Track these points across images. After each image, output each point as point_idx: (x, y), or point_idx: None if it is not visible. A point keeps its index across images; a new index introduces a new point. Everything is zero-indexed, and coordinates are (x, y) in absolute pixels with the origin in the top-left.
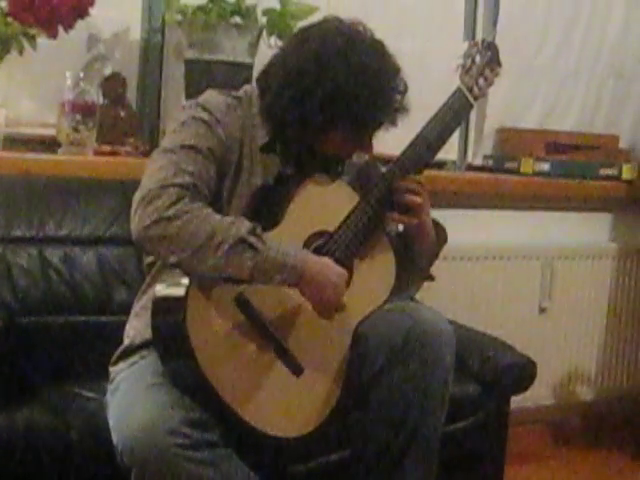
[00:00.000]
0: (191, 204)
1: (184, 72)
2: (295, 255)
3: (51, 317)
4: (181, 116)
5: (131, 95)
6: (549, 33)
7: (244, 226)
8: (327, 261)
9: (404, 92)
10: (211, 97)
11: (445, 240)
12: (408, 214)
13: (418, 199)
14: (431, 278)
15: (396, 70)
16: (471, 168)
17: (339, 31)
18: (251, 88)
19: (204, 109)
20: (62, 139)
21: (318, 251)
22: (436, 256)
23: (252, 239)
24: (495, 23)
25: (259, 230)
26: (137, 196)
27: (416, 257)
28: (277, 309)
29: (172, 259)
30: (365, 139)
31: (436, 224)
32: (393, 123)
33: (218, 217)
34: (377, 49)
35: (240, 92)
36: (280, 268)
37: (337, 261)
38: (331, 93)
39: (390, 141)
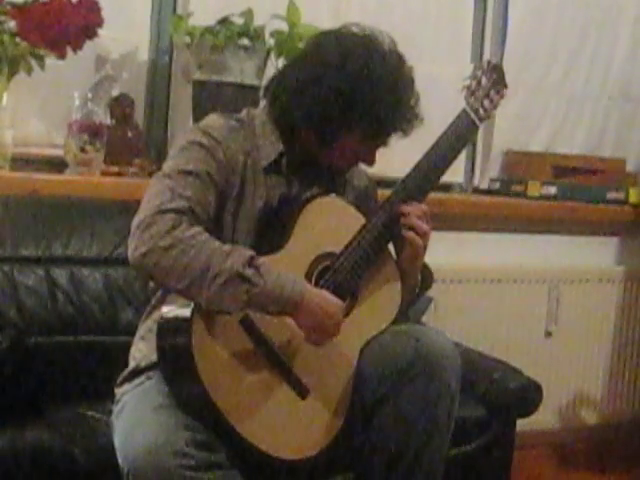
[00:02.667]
0: (187, 231)
1: (192, 93)
2: (292, 288)
3: (57, 337)
4: (181, 141)
5: (139, 116)
6: (556, 56)
7: (241, 257)
8: (324, 293)
9: (417, 102)
10: (212, 121)
11: (430, 284)
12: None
13: (425, 226)
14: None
15: (411, 80)
16: (477, 191)
17: (358, 37)
18: (253, 110)
19: (204, 133)
20: (69, 159)
21: (323, 273)
22: (415, 298)
23: (248, 272)
24: (502, 45)
25: (257, 260)
26: (134, 222)
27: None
28: (283, 331)
29: (168, 287)
30: (373, 150)
31: (424, 266)
32: (405, 133)
33: (215, 246)
34: (394, 58)
35: (242, 114)
36: (276, 300)
37: (341, 284)
38: (347, 97)
39: (395, 163)
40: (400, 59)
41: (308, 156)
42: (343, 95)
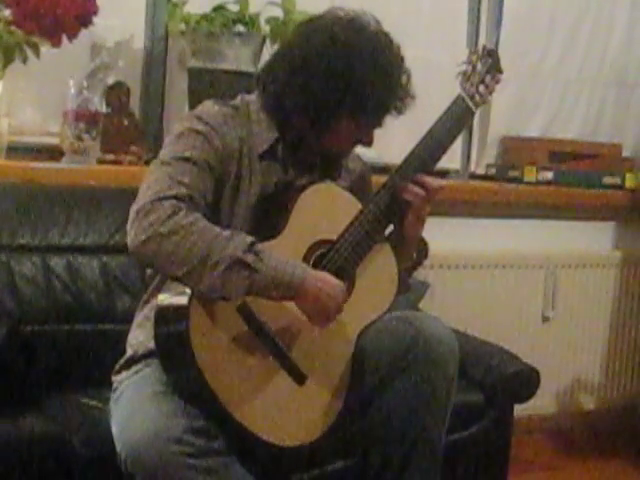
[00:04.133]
0: (187, 217)
1: (187, 81)
2: (293, 272)
3: (54, 325)
4: (177, 128)
5: (134, 104)
6: (552, 41)
7: (241, 243)
8: (325, 275)
9: (409, 80)
10: (208, 108)
11: (426, 255)
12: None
13: (422, 192)
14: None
15: (400, 59)
16: (474, 177)
17: (344, 21)
18: (247, 96)
19: (200, 120)
20: (65, 148)
21: (321, 259)
22: (414, 269)
23: (249, 258)
24: (498, 30)
25: (257, 246)
26: (133, 209)
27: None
28: (280, 318)
29: (168, 274)
30: (368, 131)
31: (420, 240)
32: (400, 112)
33: (215, 232)
34: (382, 38)
35: (237, 101)
36: (277, 285)
37: (339, 270)
38: (338, 82)
39: (392, 149)
40: (387, 38)
41: (303, 142)
42: (333, 79)
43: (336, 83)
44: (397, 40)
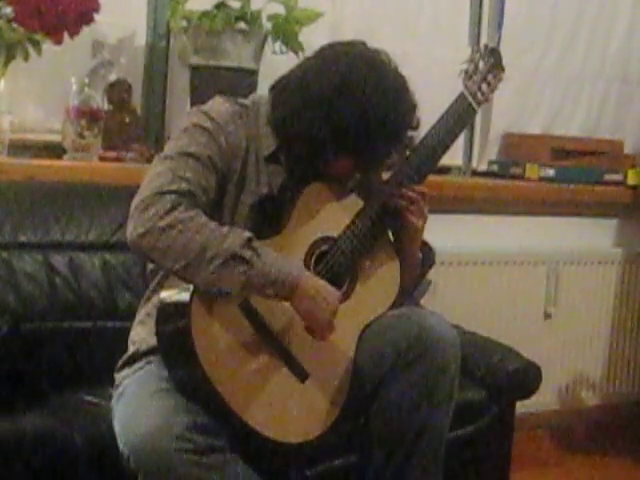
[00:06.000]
0: (186, 212)
1: (189, 78)
2: (289, 271)
3: (56, 323)
4: (184, 123)
5: (136, 101)
6: (554, 38)
7: (239, 238)
8: (321, 281)
9: (416, 129)
10: (217, 104)
11: (432, 263)
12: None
13: (422, 208)
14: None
15: (413, 107)
16: (476, 174)
17: (364, 60)
18: (259, 97)
19: (207, 117)
20: (67, 145)
21: (322, 257)
22: (420, 277)
23: (246, 253)
24: (500, 28)
25: (255, 242)
26: (134, 202)
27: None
28: (282, 315)
29: (166, 268)
30: (368, 168)
31: (424, 244)
32: (400, 156)
33: (213, 227)
34: (399, 84)
35: (248, 100)
36: (272, 282)
37: (340, 267)
38: (347, 124)
39: None
40: (404, 85)
41: (306, 165)
42: (343, 124)
43: (342, 126)
44: (412, 87)
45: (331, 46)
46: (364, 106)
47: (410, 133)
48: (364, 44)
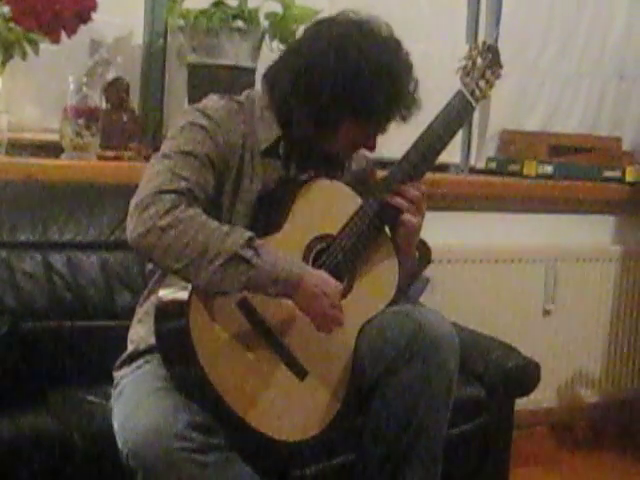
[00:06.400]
0: (186, 211)
1: (187, 76)
2: (291, 270)
3: (55, 322)
4: (180, 121)
5: (134, 100)
6: (551, 35)
7: (240, 238)
8: (323, 275)
9: (415, 88)
10: (212, 102)
11: (429, 261)
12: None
13: (420, 206)
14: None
15: (409, 67)
16: (474, 171)
17: (355, 25)
18: (253, 92)
19: (203, 114)
20: (65, 144)
21: (321, 255)
22: (415, 275)
23: (247, 253)
24: (497, 25)
25: (256, 241)
26: (133, 202)
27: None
28: (280, 313)
29: (166, 267)
30: (372, 136)
31: (421, 242)
32: (403, 119)
33: (214, 226)
34: (392, 44)
35: (242, 96)
36: (274, 281)
37: (339, 264)
38: (345, 86)
39: (392, 143)
40: (398, 45)
41: (306, 142)
42: (341, 84)
43: (341, 88)
44: (406, 47)
45: (319, 20)
46: (359, 61)
47: (411, 93)
48: (353, 12)
